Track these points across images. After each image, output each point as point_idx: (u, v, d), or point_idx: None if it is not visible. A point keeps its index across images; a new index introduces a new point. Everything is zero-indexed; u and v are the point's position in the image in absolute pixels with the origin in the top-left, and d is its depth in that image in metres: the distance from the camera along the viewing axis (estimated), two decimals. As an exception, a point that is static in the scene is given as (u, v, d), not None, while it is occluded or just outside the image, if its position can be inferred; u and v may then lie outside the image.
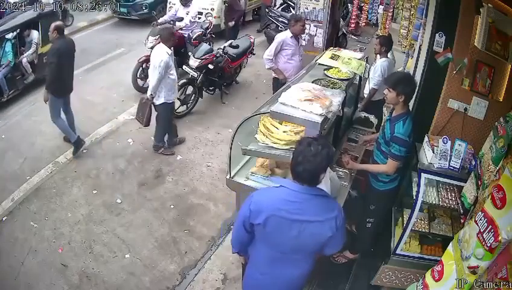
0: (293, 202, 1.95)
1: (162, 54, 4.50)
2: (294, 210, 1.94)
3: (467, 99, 3.11)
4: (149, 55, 6.28)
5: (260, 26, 9.59)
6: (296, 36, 4.94)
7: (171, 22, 6.60)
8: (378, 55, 4.77)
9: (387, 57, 4.68)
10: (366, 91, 4.72)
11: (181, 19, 6.57)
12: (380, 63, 4.63)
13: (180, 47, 6.45)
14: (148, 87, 4.77)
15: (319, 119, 2.42)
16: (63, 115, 4.97)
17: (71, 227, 4.03)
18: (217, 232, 4.06)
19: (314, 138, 1.98)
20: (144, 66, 6.37)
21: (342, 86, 3.09)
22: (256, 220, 2.00)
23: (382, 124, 3.21)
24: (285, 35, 4.92)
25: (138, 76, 6.38)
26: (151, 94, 4.64)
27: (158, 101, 4.74)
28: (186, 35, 6.49)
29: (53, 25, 4.55)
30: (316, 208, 1.97)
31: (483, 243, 1.85)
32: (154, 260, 3.72)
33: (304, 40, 5.92)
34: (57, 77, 4.56)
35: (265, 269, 2.16)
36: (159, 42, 6.17)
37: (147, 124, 4.91)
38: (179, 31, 6.47)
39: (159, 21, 6.64)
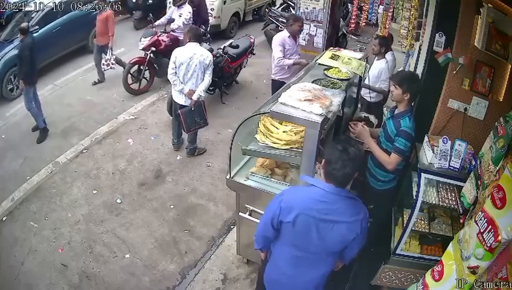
0: (323, 202, 1.97)
1: (207, 52, 4.60)
2: (323, 210, 1.97)
3: (467, 99, 3.11)
4: (142, 57, 6.22)
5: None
6: (294, 36, 4.93)
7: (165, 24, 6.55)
8: (375, 56, 4.75)
9: (385, 57, 4.67)
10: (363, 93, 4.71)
11: (172, 20, 6.44)
12: (384, 65, 4.60)
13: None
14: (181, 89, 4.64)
15: (319, 119, 2.42)
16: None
17: (71, 227, 4.03)
18: (217, 232, 4.06)
19: (345, 141, 2.01)
20: (137, 67, 6.31)
21: (342, 86, 3.09)
22: (286, 218, 2.02)
23: (383, 124, 3.21)
24: (283, 36, 4.86)
25: (131, 75, 6.32)
26: (203, 93, 4.68)
27: (202, 98, 4.77)
28: (181, 38, 6.19)
29: (21, 26, 5.01)
30: (344, 209, 1.99)
31: (483, 243, 1.85)
32: (154, 260, 3.73)
33: (304, 40, 5.93)
34: (30, 68, 5.08)
35: (287, 269, 2.18)
36: (151, 43, 6.14)
37: (207, 122, 4.93)
38: (171, 32, 6.41)
39: (155, 24, 6.49)
